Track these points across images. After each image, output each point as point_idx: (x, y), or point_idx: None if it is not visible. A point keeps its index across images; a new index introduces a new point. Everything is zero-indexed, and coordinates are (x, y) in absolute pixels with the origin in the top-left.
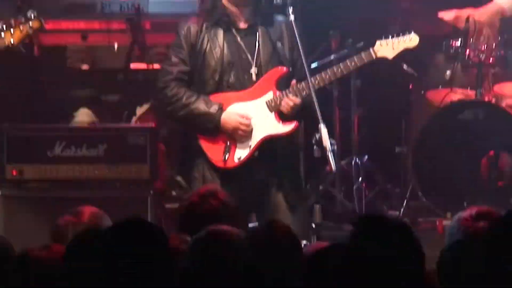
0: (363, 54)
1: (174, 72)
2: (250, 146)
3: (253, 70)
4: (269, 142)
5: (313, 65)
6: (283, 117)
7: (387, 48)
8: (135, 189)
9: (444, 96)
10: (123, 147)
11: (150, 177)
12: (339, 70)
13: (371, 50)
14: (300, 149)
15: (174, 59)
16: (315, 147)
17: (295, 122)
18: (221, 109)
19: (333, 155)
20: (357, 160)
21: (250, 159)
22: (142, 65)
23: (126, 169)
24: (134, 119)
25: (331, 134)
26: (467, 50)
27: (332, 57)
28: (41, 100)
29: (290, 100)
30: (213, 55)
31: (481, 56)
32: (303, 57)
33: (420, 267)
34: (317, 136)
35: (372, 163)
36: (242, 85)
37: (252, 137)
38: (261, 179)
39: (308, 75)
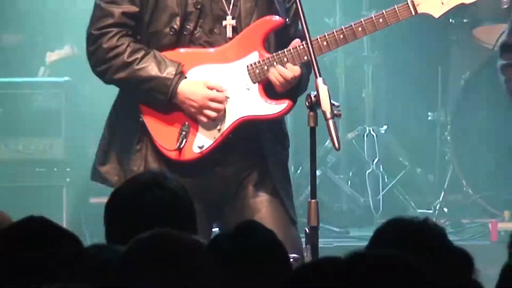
0: (397, 8)
1: (115, 14)
2: (219, 130)
3: (228, 22)
4: (247, 123)
5: None
6: (270, 91)
7: (433, 2)
8: (44, 175)
9: (500, 35)
10: (27, 112)
11: (66, 156)
12: (361, 29)
13: (409, 3)
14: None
15: None
16: (309, 112)
17: (287, 101)
18: (180, 74)
19: (337, 124)
20: (372, 132)
21: (218, 148)
22: None
23: (32, 144)
24: (42, 70)
25: (333, 93)
26: None
27: None
28: None
29: (285, 69)
30: None
31: None
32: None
33: None
34: (313, 95)
35: (393, 136)
36: (213, 40)
37: (223, 117)
38: (233, 174)
39: (304, 27)
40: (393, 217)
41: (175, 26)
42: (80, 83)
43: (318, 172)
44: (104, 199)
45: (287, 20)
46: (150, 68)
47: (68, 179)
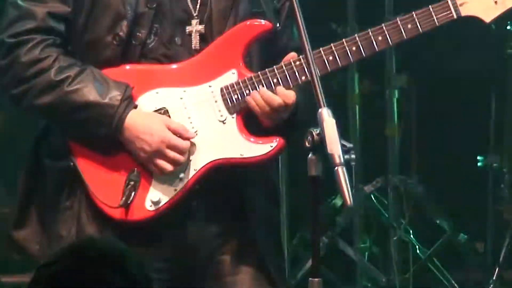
0: (432, 9)
1: (38, 16)
2: (182, 180)
3: (194, 27)
4: (221, 169)
5: None
6: (254, 125)
7: (483, 2)
8: None
9: None
10: None
11: None
12: (382, 38)
13: (449, 2)
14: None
15: None
16: (310, 155)
17: (277, 138)
18: (128, 100)
19: (349, 173)
20: (398, 184)
21: (179, 204)
22: None
23: None
24: None
25: (344, 130)
26: None
27: None
28: None
29: (273, 95)
30: None
31: None
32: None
33: None
34: (315, 133)
35: (428, 190)
36: (173, 52)
37: (187, 161)
38: (202, 241)
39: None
40: None
41: (121, 33)
42: None
43: (323, 240)
44: (22, 278)
45: (278, 25)
46: (87, 90)
47: None
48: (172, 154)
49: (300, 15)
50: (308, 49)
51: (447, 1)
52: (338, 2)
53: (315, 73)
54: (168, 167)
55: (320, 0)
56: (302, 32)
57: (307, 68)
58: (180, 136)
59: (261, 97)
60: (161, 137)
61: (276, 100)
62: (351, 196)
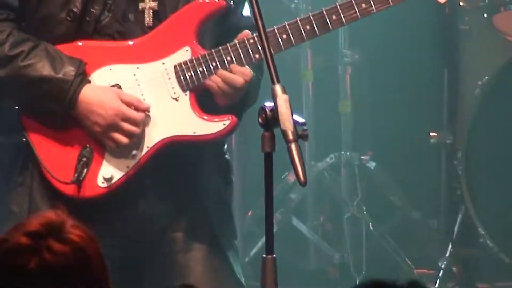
0: None
1: None
2: (135, 157)
3: (147, 4)
4: (173, 147)
5: None
6: (206, 103)
7: None
8: None
9: None
10: None
11: None
12: (336, 17)
13: None
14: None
15: None
16: (263, 132)
17: (230, 116)
18: (82, 75)
19: (302, 150)
20: (351, 161)
21: (132, 180)
22: None
23: None
24: None
25: (297, 106)
26: None
27: None
28: None
29: (232, 74)
30: None
31: None
32: None
33: None
34: (268, 109)
35: (381, 167)
36: (127, 29)
37: (140, 138)
38: (154, 218)
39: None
40: (369, 279)
41: (75, 9)
42: None
43: (276, 217)
44: None
45: (231, 2)
46: (41, 65)
47: None
48: (127, 126)
49: None
50: (262, 27)
51: None
52: None
53: (269, 50)
54: (123, 139)
55: None
56: (256, 10)
57: (260, 46)
58: (134, 108)
59: (221, 77)
60: (115, 110)
61: (236, 79)
62: (304, 173)
